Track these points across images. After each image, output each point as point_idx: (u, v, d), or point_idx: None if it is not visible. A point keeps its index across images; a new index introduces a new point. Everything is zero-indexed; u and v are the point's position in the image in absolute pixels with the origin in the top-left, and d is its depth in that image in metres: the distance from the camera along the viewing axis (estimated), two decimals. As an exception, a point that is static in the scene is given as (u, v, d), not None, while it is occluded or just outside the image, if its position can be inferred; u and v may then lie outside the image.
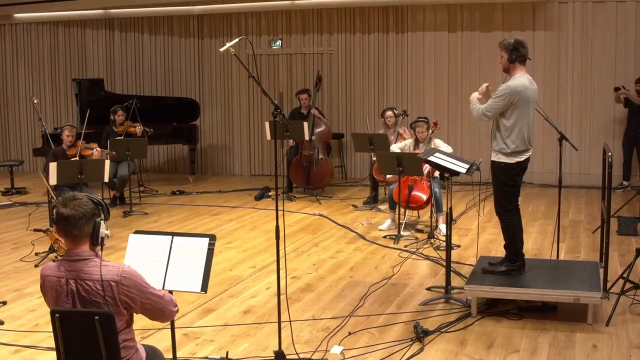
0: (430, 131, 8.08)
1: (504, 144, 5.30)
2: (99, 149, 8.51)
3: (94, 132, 9.91)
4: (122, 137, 9.79)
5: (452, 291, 5.63)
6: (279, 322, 4.44)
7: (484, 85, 5.56)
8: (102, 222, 3.05)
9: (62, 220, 2.98)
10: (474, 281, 5.38)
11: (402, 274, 6.39)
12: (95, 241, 3.03)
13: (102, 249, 3.09)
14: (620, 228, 7.67)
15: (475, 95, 5.53)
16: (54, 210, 3.02)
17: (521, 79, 5.26)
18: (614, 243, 7.00)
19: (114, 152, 8.91)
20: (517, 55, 5.27)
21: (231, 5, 12.07)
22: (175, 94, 12.71)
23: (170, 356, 3.80)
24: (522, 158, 5.33)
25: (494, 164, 5.41)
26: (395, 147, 8.38)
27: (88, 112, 9.35)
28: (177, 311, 3.32)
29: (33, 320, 5.33)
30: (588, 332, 4.90)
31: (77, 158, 8.18)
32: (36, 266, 6.78)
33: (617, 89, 10.09)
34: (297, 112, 10.48)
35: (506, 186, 5.40)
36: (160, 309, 3.17)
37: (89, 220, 2.99)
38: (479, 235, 7.38)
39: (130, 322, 3.12)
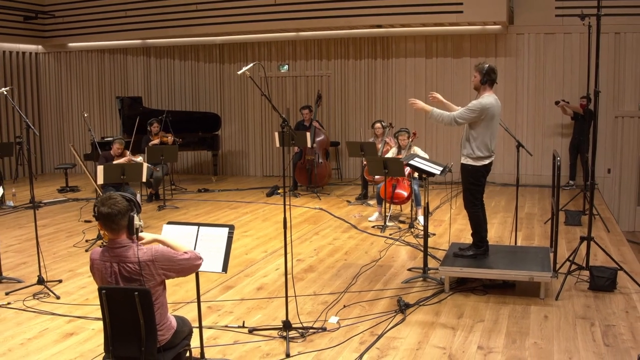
0: (410, 140, 8.06)
1: (472, 150, 5.29)
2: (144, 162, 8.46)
3: (134, 141, 9.90)
4: (158, 145, 9.81)
5: (428, 271, 5.63)
6: (286, 297, 4.43)
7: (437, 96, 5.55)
8: (135, 215, 3.04)
9: (102, 217, 2.98)
10: (446, 263, 5.37)
11: (387, 258, 6.39)
12: (131, 231, 3.03)
13: (137, 237, 3.08)
14: (567, 220, 7.67)
15: (426, 106, 5.41)
16: (95, 209, 3.01)
17: (489, 97, 5.24)
18: (562, 232, 7.01)
19: (157, 168, 9.00)
20: (488, 78, 5.27)
21: (246, 36, 12.10)
22: (200, 108, 12.69)
23: (197, 325, 3.80)
24: (486, 162, 5.31)
25: (463, 167, 5.40)
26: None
27: (137, 121, 9.62)
28: (202, 261, 3.22)
29: (84, 295, 5.34)
30: (541, 305, 4.90)
31: None
32: (86, 251, 6.77)
33: (557, 103, 10.07)
34: (301, 124, 10.47)
35: (473, 185, 5.38)
36: (190, 267, 3.15)
37: (124, 216, 2.99)
38: (450, 225, 7.39)
39: (164, 290, 3.12)
